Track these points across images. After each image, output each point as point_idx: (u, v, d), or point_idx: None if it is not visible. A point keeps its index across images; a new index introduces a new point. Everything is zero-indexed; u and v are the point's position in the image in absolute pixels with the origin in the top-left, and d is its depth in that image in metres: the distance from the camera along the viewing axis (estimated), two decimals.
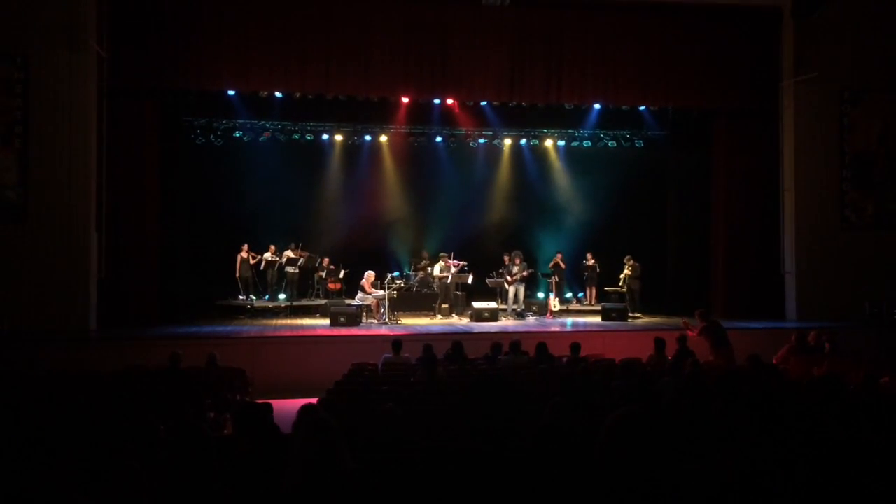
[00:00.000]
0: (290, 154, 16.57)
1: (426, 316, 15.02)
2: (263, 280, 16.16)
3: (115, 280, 12.96)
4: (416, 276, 16.49)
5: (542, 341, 9.40)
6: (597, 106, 15.52)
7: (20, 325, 11.65)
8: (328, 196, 17.34)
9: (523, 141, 17.69)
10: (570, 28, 14.20)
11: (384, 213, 17.64)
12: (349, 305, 13.84)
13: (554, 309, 15.26)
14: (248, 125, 16.03)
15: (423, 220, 17.71)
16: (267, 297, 15.99)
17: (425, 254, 17.00)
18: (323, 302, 15.49)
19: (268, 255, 15.95)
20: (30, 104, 12.43)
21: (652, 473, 2.47)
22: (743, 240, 15.02)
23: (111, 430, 3.78)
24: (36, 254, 12.27)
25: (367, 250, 16.60)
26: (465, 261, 15.33)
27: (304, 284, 16.61)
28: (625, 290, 15.48)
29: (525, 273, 14.83)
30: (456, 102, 15.53)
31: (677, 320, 12.73)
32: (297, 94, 14.25)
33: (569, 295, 17.02)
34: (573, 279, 17.23)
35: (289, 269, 15.81)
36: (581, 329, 13.47)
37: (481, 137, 17.30)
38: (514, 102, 14.83)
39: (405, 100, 15.03)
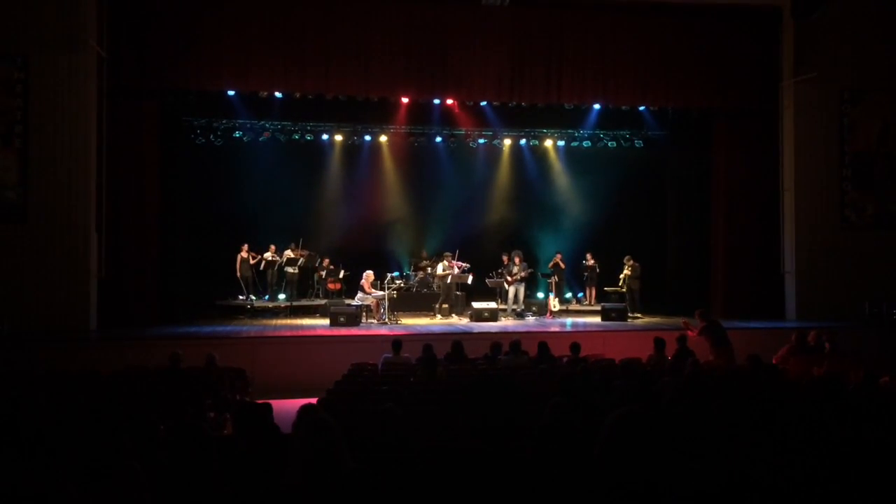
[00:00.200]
0: (289, 154, 16.58)
1: (426, 316, 15.02)
2: (263, 280, 16.16)
3: (115, 280, 12.96)
4: (415, 275, 16.49)
5: (543, 341, 9.41)
6: (596, 106, 15.51)
7: (20, 325, 11.66)
8: (328, 196, 17.35)
9: (523, 141, 17.70)
10: (570, 28, 14.20)
11: (384, 213, 17.64)
12: (349, 305, 13.84)
13: (554, 309, 15.27)
14: (248, 125, 16.04)
15: (422, 220, 17.72)
16: (267, 297, 15.99)
17: (425, 254, 17.00)
18: (323, 302, 15.50)
19: (268, 255, 15.95)
20: (30, 104, 12.44)
21: (652, 473, 2.47)
22: (743, 239, 15.02)
23: (111, 430, 3.78)
24: (36, 254, 12.28)
25: (367, 250, 16.60)
26: (466, 261, 15.32)
27: (303, 284, 16.62)
28: (624, 290, 15.47)
29: (525, 273, 14.83)
30: (456, 102, 15.52)
31: (677, 320, 12.72)
32: (297, 95, 14.24)
33: (568, 295, 17.03)
34: (573, 279, 17.23)
35: (288, 269, 15.81)
36: (581, 329, 13.47)
37: (481, 137, 17.31)
38: (514, 102, 14.83)
39: (405, 100, 15.03)
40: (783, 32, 14.79)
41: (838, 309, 13.92)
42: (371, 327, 13.26)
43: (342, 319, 13.07)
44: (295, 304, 15.46)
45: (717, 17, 14.61)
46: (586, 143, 17.37)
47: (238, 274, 15.71)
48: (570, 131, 17.30)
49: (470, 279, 15.18)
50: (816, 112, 14.73)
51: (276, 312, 15.14)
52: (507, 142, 17.67)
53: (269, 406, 4.75)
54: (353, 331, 12.68)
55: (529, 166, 18.06)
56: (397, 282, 15.01)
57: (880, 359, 8.93)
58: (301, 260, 15.90)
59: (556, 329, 13.31)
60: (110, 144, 12.99)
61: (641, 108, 15.53)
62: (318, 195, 17.23)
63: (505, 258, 15.24)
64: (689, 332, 9.99)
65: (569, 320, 14.90)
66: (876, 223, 14.80)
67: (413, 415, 5.69)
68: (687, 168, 16.33)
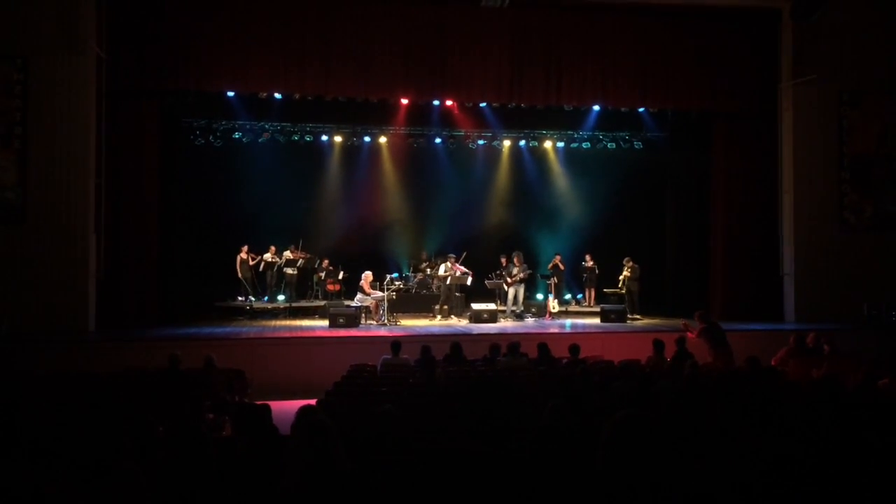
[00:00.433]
0: (289, 155, 16.57)
1: (425, 317, 15.02)
2: (263, 281, 16.15)
3: (114, 281, 12.95)
4: (415, 277, 16.49)
5: (542, 342, 9.41)
6: (596, 107, 15.50)
7: (19, 326, 11.63)
8: (327, 197, 17.35)
9: (522, 142, 17.70)
10: (570, 29, 14.20)
11: (383, 215, 17.65)
12: (348, 306, 13.82)
13: (553, 310, 15.27)
14: (248, 126, 16.03)
15: (422, 221, 17.71)
16: (266, 298, 15.98)
17: (424, 255, 17.00)
18: (322, 303, 15.48)
19: (268, 256, 15.95)
20: (29, 105, 12.42)
21: (653, 476, 2.47)
22: (742, 241, 15.02)
23: (110, 431, 3.78)
24: (35, 255, 12.26)
25: (367, 251, 16.59)
26: (465, 262, 15.31)
27: (303, 285, 16.61)
28: (624, 291, 15.48)
29: (525, 274, 14.84)
30: (455, 104, 15.53)
31: (676, 322, 12.71)
32: (297, 96, 14.24)
33: (568, 296, 17.03)
34: (572, 281, 17.23)
35: (288, 270, 15.80)
36: (580, 330, 13.47)
37: (480, 139, 17.31)
38: (514, 104, 14.82)
39: (404, 101, 15.01)
40: (782, 34, 14.79)
41: (837, 311, 13.91)
42: (370, 328, 13.25)
43: (341, 321, 13.06)
44: (294, 305, 15.46)
45: (716, 19, 14.62)
46: (586, 145, 17.38)
47: (238, 275, 15.70)
48: (569, 133, 17.30)
49: (469, 280, 15.18)
50: (815, 114, 14.73)
51: (276, 314, 15.14)
52: (507, 143, 17.67)
53: (267, 407, 4.75)
54: (352, 332, 12.67)
55: (529, 168, 18.06)
56: (396, 283, 15.01)
57: (879, 361, 8.91)
58: (300, 261, 15.90)
59: (556, 330, 13.30)
60: (109, 145, 12.98)
61: (641, 109, 15.52)
62: (317, 196, 17.23)
63: (503, 259, 15.23)
64: (689, 334, 9.99)
65: (568, 322, 14.90)
66: (875, 225, 14.79)
67: (412, 416, 5.70)
68: (686, 170, 16.34)
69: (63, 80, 12.46)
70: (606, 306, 14.71)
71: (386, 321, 13.70)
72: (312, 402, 6.25)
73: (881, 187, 14.87)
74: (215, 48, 13.08)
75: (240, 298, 15.62)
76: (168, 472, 3.30)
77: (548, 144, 17.74)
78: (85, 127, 12.56)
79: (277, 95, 14.25)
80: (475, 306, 14.29)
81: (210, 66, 13.16)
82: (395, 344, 9.28)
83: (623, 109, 15.43)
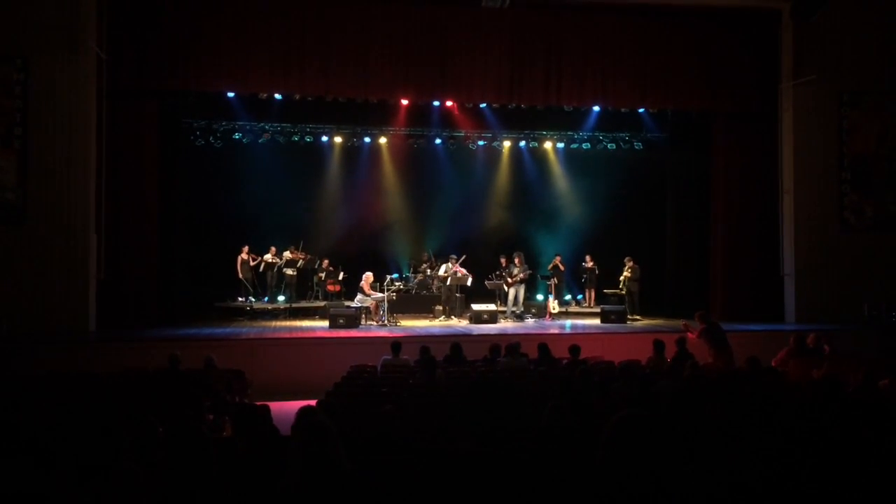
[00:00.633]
0: (289, 156, 16.57)
1: (425, 318, 15.02)
2: (263, 282, 16.15)
3: (114, 282, 12.94)
4: (415, 277, 16.49)
5: (543, 343, 9.41)
6: (596, 108, 15.51)
7: (19, 327, 11.64)
8: (327, 198, 17.35)
9: (522, 143, 17.70)
10: (570, 30, 14.20)
11: (383, 215, 17.65)
12: (348, 307, 13.82)
13: (553, 311, 15.27)
14: (248, 127, 16.04)
15: (422, 222, 17.71)
16: (266, 298, 15.98)
17: (425, 255, 17.00)
18: (322, 304, 15.48)
19: (268, 257, 15.94)
20: (29, 106, 12.42)
21: (653, 476, 2.47)
22: (742, 242, 15.02)
23: (110, 432, 3.78)
24: (35, 255, 12.26)
25: (367, 252, 16.58)
26: (465, 263, 15.30)
27: (303, 286, 16.61)
28: (624, 292, 15.48)
29: (525, 274, 14.83)
30: (455, 104, 15.53)
31: (677, 322, 12.68)
32: (297, 96, 14.25)
33: (568, 297, 17.03)
34: (572, 281, 17.23)
35: (288, 270, 15.80)
36: (580, 331, 13.47)
37: (480, 139, 17.31)
38: (514, 104, 14.83)
39: (404, 102, 15.02)
40: (782, 34, 14.78)
41: (837, 311, 13.91)
42: (370, 329, 13.25)
43: (341, 321, 13.06)
44: (294, 305, 15.46)
45: (716, 19, 14.62)
46: (586, 145, 17.38)
47: (239, 275, 15.70)
48: (569, 133, 17.30)
49: (469, 281, 15.17)
50: (816, 114, 14.72)
51: (276, 314, 15.14)
52: (507, 144, 17.68)
53: (267, 408, 4.75)
54: (353, 333, 12.67)
55: (529, 168, 18.06)
56: (397, 283, 15.01)
57: (879, 361, 8.92)
58: (300, 262, 15.89)
59: (556, 331, 13.30)
60: (110, 146, 12.98)
61: (641, 110, 15.53)
62: (317, 197, 17.23)
63: (503, 260, 15.23)
64: (689, 335, 9.98)
65: (568, 322, 14.90)
66: (875, 225, 14.79)
67: (412, 417, 5.70)
68: (686, 170, 16.34)
69: (63, 80, 12.47)
70: (606, 307, 14.70)
71: (386, 322, 13.70)
72: (312, 402, 6.25)
73: (881, 187, 14.86)
74: (215, 49, 13.09)
75: (240, 299, 15.62)
76: (168, 472, 3.30)
77: (548, 145, 17.74)
78: (85, 127, 12.55)
79: (277, 96, 14.26)
80: (475, 307, 14.28)
81: (210, 67, 13.16)
82: (396, 344, 9.28)
83: (623, 110, 15.43)
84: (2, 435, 4.31)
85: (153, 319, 13.10)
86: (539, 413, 4.82)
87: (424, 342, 9.76)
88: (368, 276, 14.05)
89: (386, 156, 17.54)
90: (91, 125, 12.61)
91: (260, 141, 16.27)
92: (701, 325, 10.16)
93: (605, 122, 16.42)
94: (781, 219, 14.96)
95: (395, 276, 15.64)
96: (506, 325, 14.00)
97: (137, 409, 5.54)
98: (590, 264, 16.52)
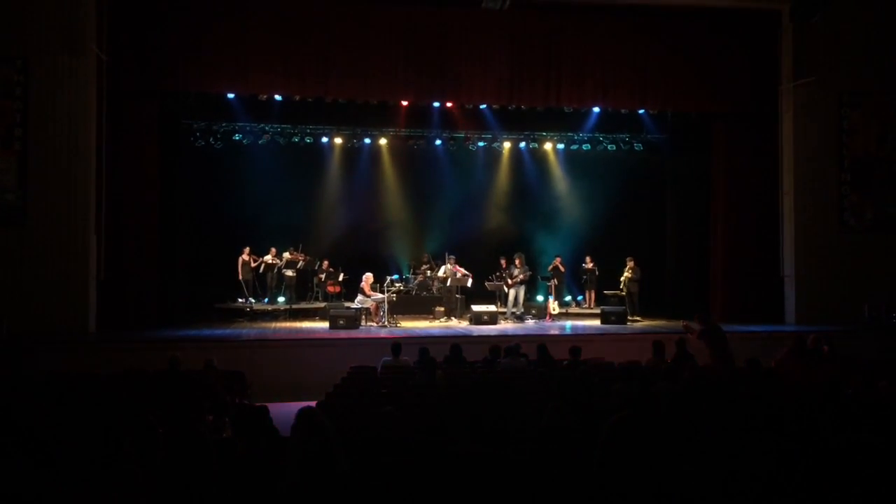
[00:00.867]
0: (289, 157, 16.55)
1: (425, 319, 15.02)
2: (263, 283, 16.15)
3: (114, 282, 12.94)
4: (415, 278, 16.49)
5: (542, 344, 9.40)
6: (596, 109, 15.51)
7: (19, 328, 11.63)
8: (328, 199, 17.34)
9: (522, 144, 17.69)
10: (570, 31, 14.21)
11: (383, 216, 17.64)
12: (348, 308, 13.83)
13: (553, 312, 15.27)
14: (248, 128, 16.03)
15: (422, 223, 17.70)
16: (266, 300, 15.98)
17: (425, 256, 17.00)
18: (322, 305, 15.48)
19: (268, 258, 15.95)
20: (29, 107, 12.42)
21: (651, 477, 2.47)
22: (742, 243, 15.02)
23: (110, 433, 3.78)
24: (35, 256, 12.26)
25: (367, 253, 16.58)
26: (464, 264, 15.32)
27: (303, 287, 16.61)
28: (624, 293, 15.47)
29: (525, 275, 14.83)
30: (455, 105, 15.53)
31: (677, 324, 12.65)
32: (297, 97, 14.25)
33: (568, 298, 17.03)
34: (572, 282, 17.23)
35: (288, 271, 15.79)
36: (580, 332, 13.47)
37: (481, 140, 17.31)
38: (514, 105, 14.84)
39: (404, 103, 15.03)
40: (782, 35, 14.79)
41: (837, 313, 13.90)
42: (370, 330, 13.25)
43: (341, 322, 13.07)
44: (294, 306, 15.47)
45: (716, 21, 14.62)
46: (586, 147, 17.37)
47: (240, 277, 15.70)
48: (569, 134, 17.29)
49: (470, 282, 15.18)
50: (816, 115, 14.72)
51: (276, 315, 15.14)
52: (507, 145, 17.67)
53: (266, 409, 4.74)
54: (353, 334, 12.68)
55: (529, 169, 18.05)
56: (397, 284, 15.02)
57: (879, 363, 8.92)
58: (300, 263, 15.89)
59: (556, 332, 13.31)
60: (110, 147, 12.99)
61: (641, 111, 15.53)
62: (317, 198, 17.23)
63: (503, 261, 15.23)
64: (689, 336, 9.96)
65: (568, 323, 14.90)
66: (875, 227, 14.79)
67: (412, 418, 5.70)
68: (686, 171, 16.34)
69: (63, 81, 12.46)
70: (607, 308, 14.71)
71: (386, 323, 13.70)
72: (312, 403, 6.26)
73: (881, 189, 14.87)
74: (216, 50, 13.09)
75: (240, 300, 15.62)
76: (168, 473, 3.30)
77: (548, 146, 17.73)
78: (85, 128, 12.55)
79: (277, 97, 14.26)
80: (475, 308, 14.29)
81: (210, 68, 13.17)
82: (396, 346, 9.28)
83: (623, 111, 15.44)
84: (2, 435, 4.31)
85: (153, 320, 13.10)
86: (539, 414, 4.82)
87: (424, 343, 9.75)
88: (368, 277, 14.05)
89: (386, 157, 17.55)
90: (91, 126, 12.61)
91: (260, 142, 16.26)
92: (701, 326, 10.15)
93: (605, 123, 16.42)
94: (781, 220, 14.96)
95: (395, 277, 15.64)
96: (506, 327, 14.01)
97: (137, 409, 5.55)
98: (590, 265, 16.52)
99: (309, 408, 4.47)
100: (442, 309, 14.98)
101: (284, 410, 5.03)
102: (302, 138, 16.52)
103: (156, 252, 13.52)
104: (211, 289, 15.36)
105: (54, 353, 10.75)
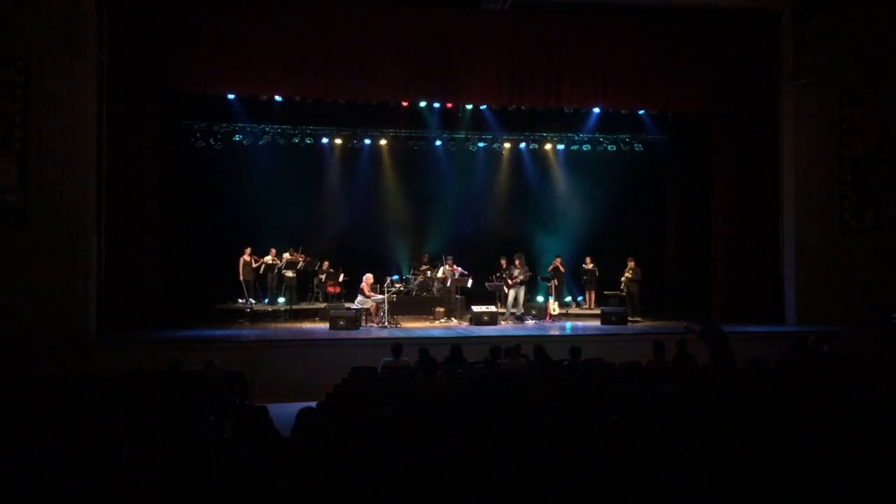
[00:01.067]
0: (289, 157, 16.57)
1: (425, 319, 15.01)
2: (263, 284, 16.15)
3: (114, 283, 12.94)
4: (415, 279, 16.49)
5: (539, 345, 9.40)
6: (596, 110, 15.52)
7: (20, 329, 11.63)
8: (328, 199, 17.37)
9: (523, 145, 17.70)
10: (570, 32, 14.22)
11: (384, 217, 17.65)
12: (348, 309, 13.82)
13: (553, 313, 15.26)
14: (248, 129, 16.05)
15: (422, 223, 17.72)
16: (266, 300, 15.98)
17: (425, 257, 17.00)
18: (322, 305, 15.48)
19: (268, 259, 15.95)
20: (30, 107, 12.42)
21: (651, 478, 2.47)
22: (743, 244, 15.02)
23: (110, 434, 3.78)
24: (35, 257, 12.25)
25: (367, 254, 16.58)
26: (464, 264, 15.32)
27: (303, 288, 16.61)
28: (624, 293, 15.47)
29: (525, 276, 14.83)
30: (455, 106, 15.52)
31: (677, 324, 12.68)
32: (297, 98, 14.26)
33: (568, 299, 17.02)
34: (572, 283, 17.23)
35: (288, 272, 15.79)
36: (580, 333, 13.47)
37: (481, 141, 17.32)
38: (514, 106, 14.84)
39: (405, 103, 15.03)
40: (783, 36, 14.79)
41: (838, 313, 13.90)
42: (371, 331, 13.25)
43: (342, 323, 13.06)
44: (294, 307, 15.47)
45: (716, 21, 14.64)
46: (586, 147, 17.38)
47: (241, 277, 15.70)
48: (569, 135, 17.31)
49: (470, 283, 15.18)
50: (816, 116, 14.73)
51: (276, 316, 15.14)
52: (507, 145, 17.68)
53: (266, 410, 4.75)
54: (353, 334, 12.68)
55: (529, 170, 18.07)
56: (397, 285, 15.01)
57: (880, 363, 8.91)
58: (300, 263, 15.89)
59: (556, 333, 13.31)
60: (110, 148, 12.99)
61: (641, 111, 15.54)
62: (317, 198, 17.25)
63: (503, 262, 15.23)
64: (690, 336, 9.96)
65: (568, 324, 14.90)
66: (875, 228, 14.79)
67: (412, 418, 5.70)
68: (687, 172, 16.35)
69: (64, 82, 12.45)
70: (607, 308, 14.71)
71: (386, 323, 13.70)
72: (313, 404, 6.25)
73: (881, 190, 14.87)
74: (216, 50, 13.10)
75: (240, 301, 15.62)
76: (168, 475, 3.30)
77: (548, 147, 17.75)
78: (85, 129, 12.56)
79: (278, 98, 14.27)
80: (475, 308, 14.29)
81: (210, 69, 13.18)
82: (396, 346, 9.28)
83: (623, 112, 15.44)
84: (2, 436, 4.31)
85: (153, 321, 13.10)
86: (539, 414, 4.83)
87: (424, 344, 9.76)
88: (369, 278, 14.05)
89: (386, 157, 17.56)
90: (91, 127, 12.61)
91: (260, 143, 16.28)
92: (701, 326, 10.16)
93: (605, 123, 16.44)
94: (782, 220, 14.96)
95: (396, 277, 15.65)
96: (506, 327, 14.01)
97: (138, 411, 5.55)
98: (590, 266, 16.51)
99: (309, 409, 4.47)
100: (442, 309, 14.97)
101: (285, 411, 5.03)
102: (302, 139, 16.53)
103: (156, 252, 13.52)
104: (211, 289, 15.36)
105: (55, 353, 10.73)
